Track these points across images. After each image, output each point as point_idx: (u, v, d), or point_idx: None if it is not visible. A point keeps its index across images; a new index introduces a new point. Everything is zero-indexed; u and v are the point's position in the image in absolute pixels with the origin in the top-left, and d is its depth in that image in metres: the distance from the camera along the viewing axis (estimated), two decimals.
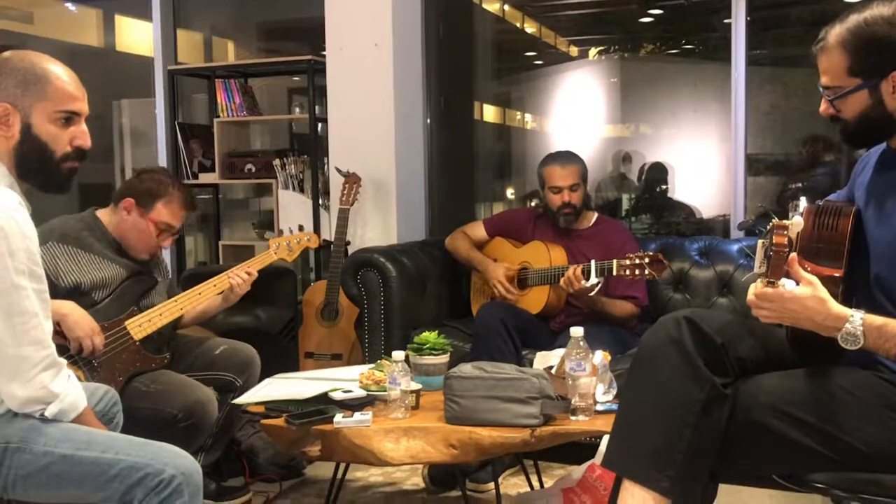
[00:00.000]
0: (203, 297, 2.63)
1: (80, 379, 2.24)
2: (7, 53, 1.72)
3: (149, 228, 2.56)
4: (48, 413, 1.64)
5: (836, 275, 1.53)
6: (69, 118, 1.73)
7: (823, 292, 1.48)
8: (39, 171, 1.72)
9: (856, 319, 1.47)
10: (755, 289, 1.52)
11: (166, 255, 4.29)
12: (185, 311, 2.59)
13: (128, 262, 2.58)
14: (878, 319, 1.48)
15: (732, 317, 1.75)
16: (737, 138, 3.62)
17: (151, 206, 2.55)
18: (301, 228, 3.05)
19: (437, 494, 2.77)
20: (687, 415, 1.56)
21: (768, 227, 1.45)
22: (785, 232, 1.43)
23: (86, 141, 1.76)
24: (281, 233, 2.92)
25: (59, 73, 1.72)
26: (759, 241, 1.50)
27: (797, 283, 1.48)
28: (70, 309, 2.31)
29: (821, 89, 1.67)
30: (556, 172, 3.16)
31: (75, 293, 2.42)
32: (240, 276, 2.66)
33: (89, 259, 2.49)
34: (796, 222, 1.50)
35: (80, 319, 2.31)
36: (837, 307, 1.49)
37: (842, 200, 1.88)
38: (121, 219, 2.56)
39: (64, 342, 2.29)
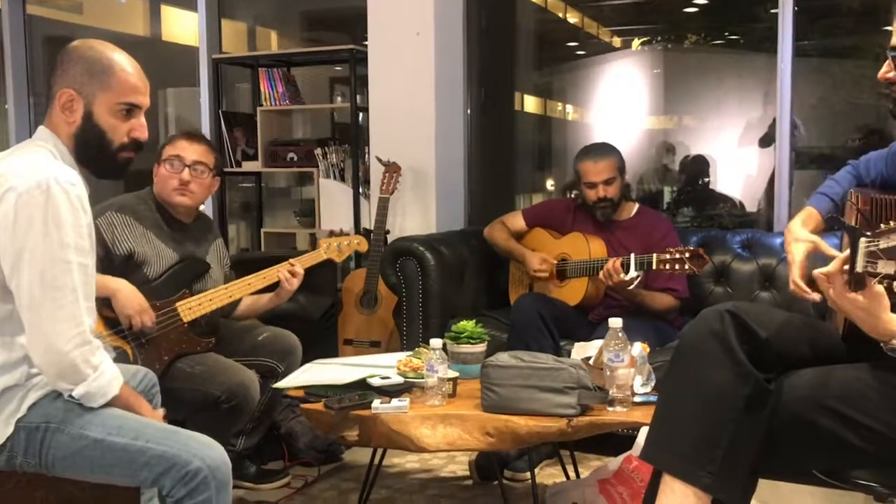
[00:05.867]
0: (252, 288, 2.67)
1: (128, 354, 2.31)
2: (77, 42, 1.77)
3: (162, 171, 2.62)
4: (75, 394, 1.64)
5: None
6: (130, 110, 1.77)
7: (881, 308, 1.45)
8: (96, 159, 1.77)
9: None
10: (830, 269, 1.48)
11: None
12: (234, 298, 2.63)
13: (183, 245, 2.62)
14: None
15: (776, 310, 1.72)
16: (782, 131, 3.56)
17: (161, 155, 2.65)
18: (345, 232, 3.11)
19: (483, 484, 2.79)
20: (729, 410, 1.54)
21: (889, 227, 1.34)
22: None
23: (143, 133, 1.80)
24: (332, 233, 2.98)
25: (125, 64, 1.76)
26: (863, 239, 1.38)
27: None
28: (121, 285, 2.37)
29: (889, 53, 1.61)
30: (589, 168, 3.13)
31: (129, 262, 2.49)
32: (286, 274, 2.70)
33: (143, 231, 2.56)
34: None
35: (130, 296, 2.36)
36: (888, 323, 1.45)
37: (875, 175, 1.85)
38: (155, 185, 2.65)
39: (114, 316, 2.36)
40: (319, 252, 2.86)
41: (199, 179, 2.63)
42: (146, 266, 2.53)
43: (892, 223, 1.34)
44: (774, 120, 4.27)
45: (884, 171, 1.88)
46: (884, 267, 1.34)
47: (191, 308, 2.52)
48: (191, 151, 2.63)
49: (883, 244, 1.34)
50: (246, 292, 2.67)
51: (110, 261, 2.46)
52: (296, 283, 2.73)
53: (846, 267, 1.42)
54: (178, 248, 2.61)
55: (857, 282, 1.40)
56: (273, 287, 2.74)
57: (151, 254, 2.54)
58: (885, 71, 1.63)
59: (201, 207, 2.79)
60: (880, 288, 1.43)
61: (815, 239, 1.83)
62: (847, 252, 1.39)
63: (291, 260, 2.75)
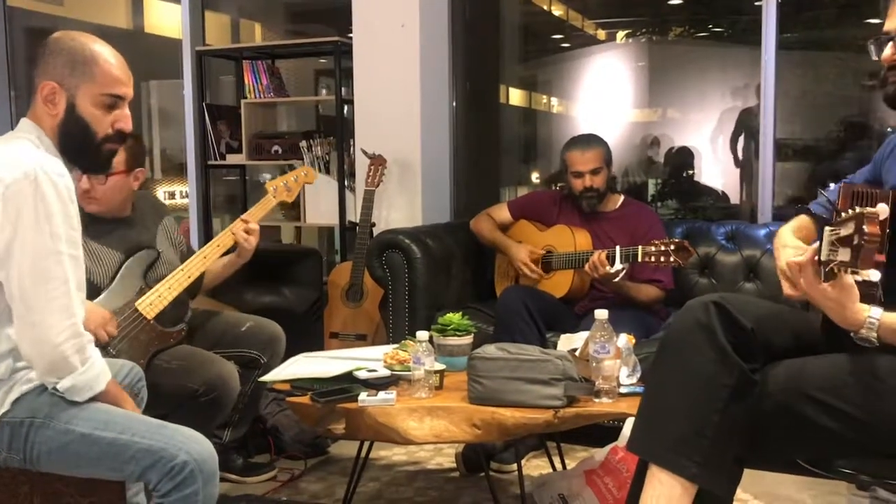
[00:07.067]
0: (210, 260, 2.56)
1: None
2: (59, 33, 1.75)
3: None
4: (60, 387, 1.64)
5: (881, 261, 1.52)
6: (113, 102, 1.76)
7: (850, 300, 1.47)
8: (80, 151, 1.76)
9: (872, 323, 1.47)
10: (792, 246, 1.48)
11: (193, 236, 4.36)
12: (194, 277, 2.52)
13: (125, 239, 2.52)
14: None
15: (761, 301, 1.73)
16: (766, 123, 3.58)
17: None
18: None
19: (470, 476, 2.79)
20: (715, 400, 1.55)
21: (847, 216, 1.37)
22: (877, 220, 1.35)
23: (127, 124, 1.79)
24: (279, 173, 2.82)
25: (108, 56, 1.75)
26: (827, 229, 1.42)
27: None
28: None
29: (891, 38, 1.62)
30: (576, 157, 3.15)
31: None
32: (242, 234, 2.61)
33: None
34: (882, 210, 1.40)
35: (86, 313, 2.26)
36: (856, 313, 1.48)
37: (862, 180, 1.87)
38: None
39: None
40: (269, 199, 2.74)
41: (99, 185, 2.43)
42: (92, 276, 2.39)
43: (850, 211, 1.36)
44: (741, 112, 4.32)
45: (869, 178, 1.89)
46: (842, 255, 1.36)
47: (151, 303, 2.43)
48: None
49: (843, 232, 1.37)
50: (204, 266, 2.55)
51: None
52: (253, 240, 2.63)
53: (817, 258, 1.44)
54: (120, 245, 2.49)
55: (827, 273, 1.42)
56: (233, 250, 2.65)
57: (89, 261, 2.38)
58: (890, 54, 1.63)
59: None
60: (850, 279, 1.45)
61: (802, 246, 1.81)
62: (818, 243, 1.41)
63: (243, 216, 2.66)
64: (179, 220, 3.53)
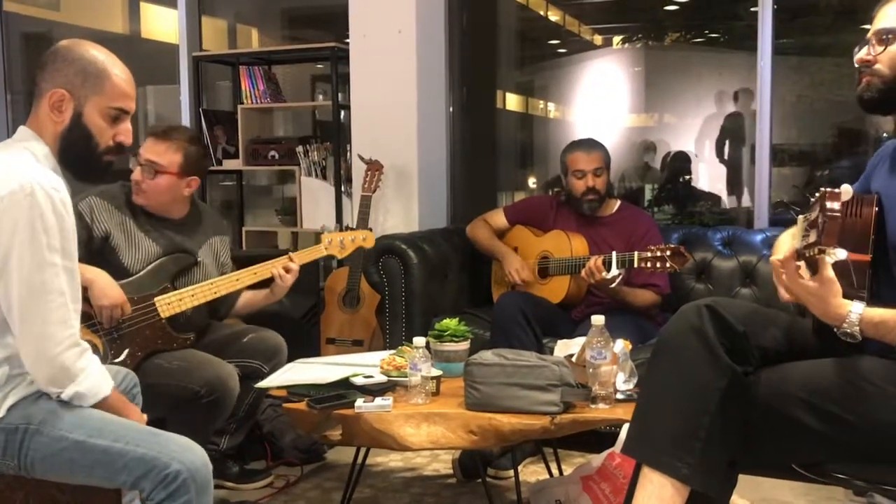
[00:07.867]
0: (241, 284, 2.58)
1: (97, 347, 2.29)
2: (69, 42, 1.77)
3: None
4: (64, 395, 1.65)
5: (865, 260, 1.54)
6: (118, 115, 1.78)
7: (831, 294, 1.48)
8: (80, 160, 1.77)
9: (853, 317, 1.48)
10: (786, 250, 1.51)
11: None
12: (219, 294, 2.54)
13: (168, 238, 2.57)
14: (876, 315, 1.49)
15: (755, 305, 1.75)
16: (762, 128, 3.59)
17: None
18: (347, 228, 2.99)
19: (467, 482, 2.79)
20: (707, 402, 1.57)
21: (817, 197, 1.41)
22: (839, 197, 1.39)
23: (128, 138, 1.82)
24: (339, 227, 2.86)
25: (118, 70, 1.78)
26: (801, 217, 1.48)
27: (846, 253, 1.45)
28: (98, 276, 2.33)
29: (867, 42, 1.65)
30: (580, 157, 3.16)
31: (106, 244, 2.46)
32: (280, 270, 2.62)
33: (122, 219, 2.52)
34: (846, 190, 1.45)
35: (106, 288, 2.32)
36: (838, 308, 1.49)
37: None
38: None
39: (89, 309, 2.31)
40: (320, 248, 2.74)
41: (148, 179, 2.53)
42: (119, 252, 2.48)
43: (817, 193, 1.39)
44: (727, 118, 4.34)
45: (860, 190, 1.91)
46: (812, 237, 1.41)
47: (170, 303, 2.46)
48: (145, 149, 2.57)
49: (811, 216, 1.42)
50: (233, 288, 2.57)
51: (91, 241, 2.44)
52: (290, 279, 2.63)
53: (795, 251, 1.47)
54: (161, 240, 2.55)
55: (809, 264, 1.44)
56: (267, 282, 2.66)
57: (124, 241, 2.49)
58: (864, 55, 1.66)
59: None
60: (831, 274, 1.47)
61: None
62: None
63: (291, 254, 2.67)
64: None
